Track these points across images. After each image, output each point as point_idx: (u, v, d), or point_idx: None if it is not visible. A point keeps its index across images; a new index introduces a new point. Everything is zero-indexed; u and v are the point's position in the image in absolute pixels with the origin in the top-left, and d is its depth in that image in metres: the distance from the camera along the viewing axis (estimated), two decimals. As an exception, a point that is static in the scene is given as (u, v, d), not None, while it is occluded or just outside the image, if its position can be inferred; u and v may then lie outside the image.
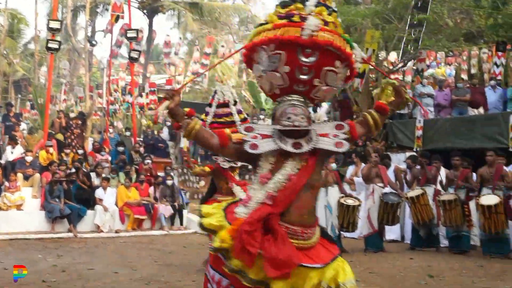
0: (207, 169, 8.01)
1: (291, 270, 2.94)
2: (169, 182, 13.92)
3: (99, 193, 12.84)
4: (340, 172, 11.58)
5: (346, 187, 11.26)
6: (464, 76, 19.11)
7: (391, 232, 11.27)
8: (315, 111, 16.69)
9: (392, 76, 15.89)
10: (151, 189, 13.70)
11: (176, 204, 13.53)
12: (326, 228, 10.64)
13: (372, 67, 14.46)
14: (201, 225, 3.31)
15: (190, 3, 32.37)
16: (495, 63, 17.03)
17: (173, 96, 3.23)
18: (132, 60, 17.79)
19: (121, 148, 15.71)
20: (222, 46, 26.17)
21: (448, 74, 19.98)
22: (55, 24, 15.14)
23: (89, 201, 12.70)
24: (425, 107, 14.45)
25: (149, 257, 9.30)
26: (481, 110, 14.68)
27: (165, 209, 13.25)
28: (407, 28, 16.27)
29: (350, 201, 10.09)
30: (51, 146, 13.94)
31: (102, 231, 12.30)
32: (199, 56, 25.98)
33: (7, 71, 28.66)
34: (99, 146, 16.15)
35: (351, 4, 18.86)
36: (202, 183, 16.44)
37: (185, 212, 13.74)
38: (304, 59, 3.15)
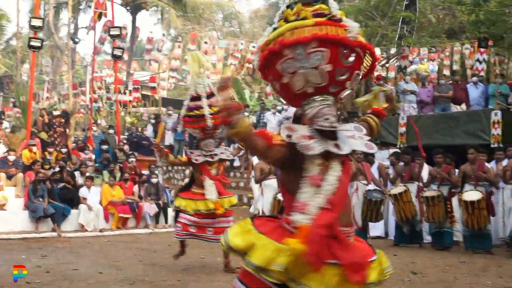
0: (183, 158, 8.01)
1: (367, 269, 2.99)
2: (153, 180, 13.88)
3: (83, 192, 12.77)
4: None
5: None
6: (447, 72, 19.25)
7: (375, 229, 11.35)
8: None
9: (375, 73, 16.02)
10: (135, 188, 13.66)
11: (161, 202, 13.50)
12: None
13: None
14: (231, 248, 3.10)
15: (173, 0, 32.26)
16: (478, 60, 17.21)
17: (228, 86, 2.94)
18: (116, 58, 17.71)
19: (105, 147, 15.66)
20: (205, 42, 26.08)
21: (431, 70, 20.14)
22: (37, 22, 14.99)
23: (73, 200, 12.62)
24: (408, 104, 14.55)
25: (134, 256, 9.27)
26: (464, 106, 14.80)
27: (149, 208, 13.22)
28: (399, 26, 16.34)
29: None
30: (34, 145, 13.83)
31: (86, 230, 12.25)
32: (181, 52, 25.93)
33: (-11, 69, 28.43)
34: (83, 144, 16.07)
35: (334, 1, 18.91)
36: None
37: (170, 210, 13.70)
38: (343, 60, 3.12)
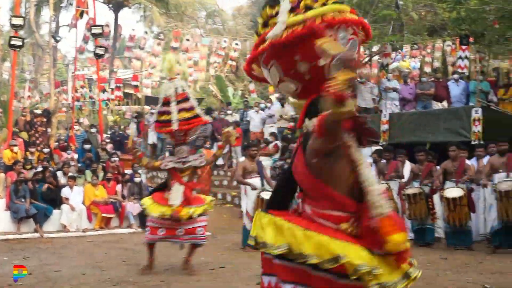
0: (157, 163, 7.96)
1: None
2: (136, 180, 13.83)
3: (65, 192, 12.71)
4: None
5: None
6: (428, 69, 19.39)
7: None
8: (282, 105, 16.76)
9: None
10: (118, 187, 13.62)
11: (147, 198, 13.46)
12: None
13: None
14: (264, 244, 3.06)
15: (156, -3, 32.19)
16: (460, 57, 17.35)
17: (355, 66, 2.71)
18: (98, 56, 17.62)
19: (87, 146, 15.56)
20: (187, 39, 26.01)
21: (413, 67, 20.24)
22: (17, 21, 14.89)
23: (56, 201, 12.55)
24: (391, 101, 14.63)
25: (117, 256, 9.25)
26: (445, 103, 14.92)
27: (133, 207, 13.16)
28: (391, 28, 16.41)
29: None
30: (15, 145, 13.73)
31: (69, 231, 12.20)
32: (161, 50, 25.87)
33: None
34: (65, 144, 15.97)
35: None
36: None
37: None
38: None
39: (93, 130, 17.83)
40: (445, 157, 10.27)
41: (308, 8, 3.08)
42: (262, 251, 3.17)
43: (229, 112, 19.64)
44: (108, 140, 17.39)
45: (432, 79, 15.47)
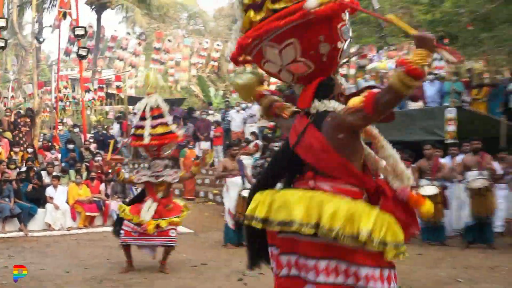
0: (132, 178, 7.96)
1: None
2: (120, 179, 13.78)
3: (49, 191, 12.64)
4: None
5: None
6: (404, 70, 19.53)
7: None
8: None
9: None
10: (102, 186, 13.56)
11: (127, 200, 13.41)
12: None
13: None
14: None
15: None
16: (436, 58, 17.50)
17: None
18: (81, 57, 17.52)
19: (71, 146, 15.50)
20: (169, 40, 26.00)
21: (389, 67, 20.39)
22: (0, 22, 14.74)
23: (40, 200, 12.50)
24: (367, 102, 14.73)
25: (101, 255, 9.23)
26: (421, 103, 15.05)
27: (116, 206, 13.03)
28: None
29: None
30: (-1, 145, 13.63)
31: (53, 229, 12.15)
32: (141, 49, 25.80)
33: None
34: (49, 144, 15.86)
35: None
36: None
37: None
38: None
39: (76, 130, 17.74)
40: (420, 156, 10.41)
41: None
42: (275, 230, 3.06)
43: (210, 112, 19.66)
44: (91, 140, 17.30)
45: (408, 79, 15.60)
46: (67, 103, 23.26)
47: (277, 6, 2.99)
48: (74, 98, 23.07)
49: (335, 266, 2.91)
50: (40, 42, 25.87)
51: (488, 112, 13.66)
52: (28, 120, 15.93)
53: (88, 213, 12.78)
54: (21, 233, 11.51)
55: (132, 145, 7.98)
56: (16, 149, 14.27)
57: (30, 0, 28.31)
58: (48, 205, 12.38)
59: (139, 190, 15.05)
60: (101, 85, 22.98)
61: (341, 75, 3.54)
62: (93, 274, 7.44)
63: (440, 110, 12.45)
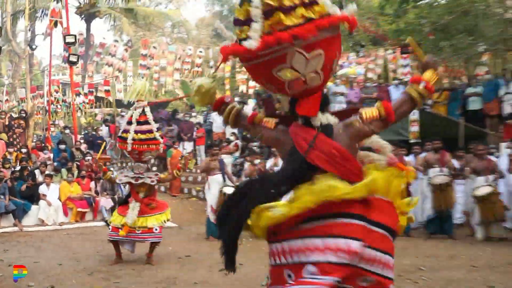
0: (116, 177, 7.97)
1: None
2: (109, 176, 13.69)
3: (42, 189, 12.51)
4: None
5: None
6: (372, 75, 19.71)
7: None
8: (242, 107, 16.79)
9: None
10: (92, 184, 13.46)
11: (116, 196, 13.34)
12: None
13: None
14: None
15: (125, 9, 31.76)
16: (402, 64, 17.70)
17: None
18: (71, 63, 17.33)
19: (62, 146, 15.33)
20: (154, 47, 25.85)
21: (358, 73, 20.54)
22: (-5, 30, 14.54)
23: (34, 197, 12.37)
24: (338, 105, 14.82)
25: (91, 248, 9.16)
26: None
27: (106, 202, 13.06)
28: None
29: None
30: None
31: (46, 225, 12.02)
32: (128, 55, 25.65)
33: None
34: (42, 144, 15.71)
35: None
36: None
37: (124, 204, 13.57)
38: None
39: (68, 131, 17.55)
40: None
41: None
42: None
43: (193, 114, 19.56)
44: (81, 141, 17.15)
45: (375, 84, 15.76)
46: (59, 106, 22.97)
47: (312, 15, 2.81)
48: (64, 101, 22.77)
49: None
50: (32, 49, 25.57)
51: (448, 114, 13.85)
52: (22, 122, 15.74)
53: (79, 209, 12.70)
54: (16, 228, 11.37)
55: (119, 147, 7.97)
56: (11, 150, 14.08)
57: (23, 9, 28.03)
58: (41, 202, 12.25)
59: (127, 187, 15.10)
60: (91, 89, 22.74)
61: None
62: (84, 266, 7.39)
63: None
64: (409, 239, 9.35)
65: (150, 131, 7.40)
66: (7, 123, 15.76)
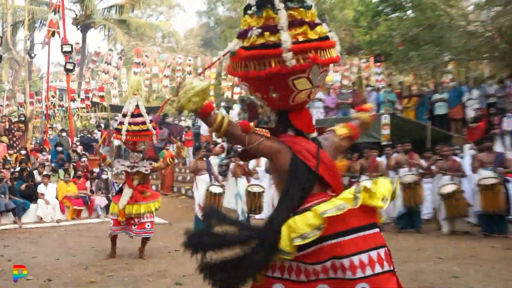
0: (114, 164, 7.96)
1: None
2: (103, 177, 13.61)
3: (41, 188, 12.36)
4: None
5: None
6: (347, 82, 19.83)
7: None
8: (228, 112, 16.80)
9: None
10: (87, 183, 13.35)
11: (110, 195, 13.22)
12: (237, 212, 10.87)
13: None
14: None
15: (119, 20, 31.59)
16: (376, 72, 17.82)
17: None
18: (68, 71, 17.18)
19: (59, 148, 15.21)
20: (147, 56, 25.75)
21: (335, 80, 20.65)
22: (-4, 40, 14.37)
23: (32, 196, 12.22)
24: (317, 109, 14.87)
25: (87, 243, 9.08)
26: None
27: (100, 200, 12.95)
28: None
29: (255, 189, 10.30)
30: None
31: (44, 222, 11.88)
32: (121, 62, 25.55)
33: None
34: (40, 146, 15.55)
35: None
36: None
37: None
38: None
39: (64, 134, 17.39)
40: (361, 156, 10.57)
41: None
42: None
43: (182, 118, 19.53)
44: (78, 143, 17.00)
45: (350, 90, 15.83)
46: (56, 111, 22.78)
47: (324, 34, 2.75)
48: (61, 106, 22.58)
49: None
50: (31, 57, 25.28)
51: (416, 118, 13.97)
52: (21, 125, 15.58)
53: (75, 207, 12.57)
54: (16, 226, 11.23)
55: (115, 138, 7.95)
56: (11, 151, 13.93)
57: (23, 20, 27.73)
58: (39, 201, 12.11)
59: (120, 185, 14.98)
60: (87, 95, 22.58)
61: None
62: (80, 261, 7.32)
63: (376, 117, 12.63)
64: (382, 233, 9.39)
65: (143, 123, 7.38)
66: (7, 126, 15.59)
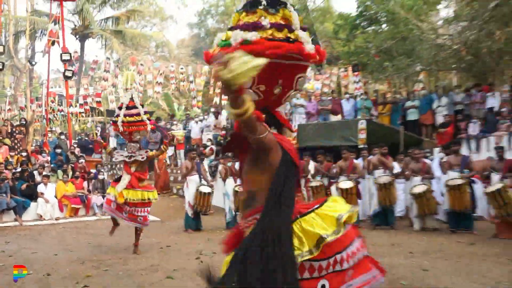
0: (113, 153, 7.92)
1: None
2: (100, 177, 13.50)
3: (40, 188, 12.24)
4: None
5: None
6: (327, 90, 19.89)
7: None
8: (216, 117, 16.75)
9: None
10: (85, 183, 13.24)
11: (106, 194, 13.13)
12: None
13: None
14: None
15: (115, 31, 31.42)
16: (355, 81, 17.91)
17: None
18: (67, 78, 17.04)
19: (58, 150, 15.07)
20: (141, 64, 25.63)
21: (316, 88, 20.70)
22: (-1, 49, 14.20)
23: (33, 195, 12.09)
24: (299, 115, 14.89)
25: (84, 240, 8.99)
26: (339, 117, 15.33)
27: (97, 199, 12.85)
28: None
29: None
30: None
31: (44, 219, 11.76)
32: (118, 70, 25.42)
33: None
34: (40, 149, 15.39)
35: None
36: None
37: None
38: None
39: (63, 137, 17.22)
40: (339, 158, 10.61)
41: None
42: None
43: (174, 122, 19.43)
44: (75, 145, 16.85)
45: (330, 97, 15.89)
46: (55, 115, 22.54)
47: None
48: (61, 111, 22.35)
49: None
50: (32, 65, 25.02)
51: (391, 124, 14.06)
52: (22, 129, 15.41)
53: (73, 206, 12.49)
54: (17, 223, 11.10)
55: (114, 130, 7.93)
56: (12, 153, 13.76)
57: (24, 30, 27.46)
58: (39, 199, 11.99)
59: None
60: (85, 100, 22.37)
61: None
62: (77, 256, 7.24)
63: (354, 122, 12.67)
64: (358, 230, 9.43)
65: (138, 114, 7.39)
66: (9, 130, 15.41)
